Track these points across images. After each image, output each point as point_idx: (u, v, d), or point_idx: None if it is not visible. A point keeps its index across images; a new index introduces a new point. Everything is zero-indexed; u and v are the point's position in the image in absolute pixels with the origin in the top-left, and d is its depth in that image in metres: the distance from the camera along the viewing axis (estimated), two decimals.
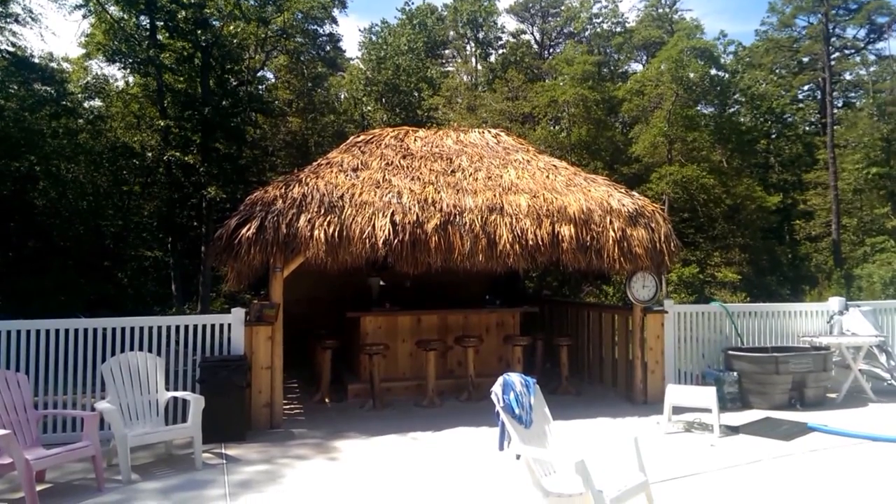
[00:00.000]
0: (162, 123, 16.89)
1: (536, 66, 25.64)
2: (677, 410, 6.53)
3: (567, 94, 20.83)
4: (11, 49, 15.34)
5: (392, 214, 6.51)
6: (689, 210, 22.32)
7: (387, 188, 6.88)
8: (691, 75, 21.07)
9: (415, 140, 8.21)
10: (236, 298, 15.32)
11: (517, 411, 4.15)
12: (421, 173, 7.30)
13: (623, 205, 7.17)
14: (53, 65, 20.01)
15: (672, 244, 7.23)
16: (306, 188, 6.65)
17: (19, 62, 15.23)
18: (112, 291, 16.22)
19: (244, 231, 6.19)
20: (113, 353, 5.99)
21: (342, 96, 24.83)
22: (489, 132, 8.75)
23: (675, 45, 21.40)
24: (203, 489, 4.82)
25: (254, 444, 6.00)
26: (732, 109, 24.86)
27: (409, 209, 6.60)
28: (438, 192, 6.89)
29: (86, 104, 19.29)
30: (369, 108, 22.55)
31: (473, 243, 6.59)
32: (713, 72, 22.58)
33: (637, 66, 29.83)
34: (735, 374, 7.33)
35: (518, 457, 3.95)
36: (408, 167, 7.42)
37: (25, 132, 14.32)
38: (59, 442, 5.29)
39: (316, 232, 6.28)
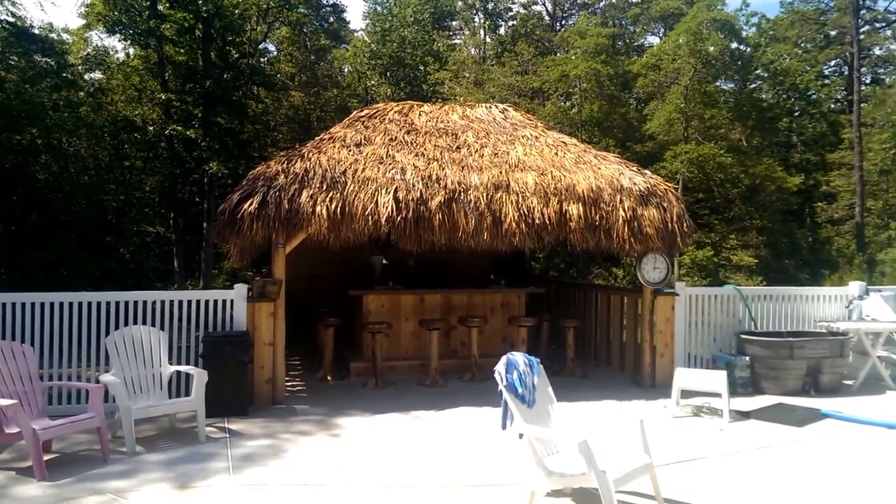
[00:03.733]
0: (163, 97, 16.99)
1: (548, 39, 25.42)
2: (686, 395, 6.65)
3: (579, 69, 20.67)
4: (11, 19, 15.42)
5: (395, 191, 6.62)
6: (704, 190, 22.19)
7: (390, 164, 6.98)
8: (710, 49, 20.83)
9: (419, 115, 8.28)
10: (238, 275, 15.49)
11: (520, 390, 4.28)
12: (425, 149, 7.39)
13: (634, 183, 7.23)
14: (53, 36, 20.09)
15: (685, 224, 7.30)
16: (308, 163, 6.76)
17: (19, 33, 15.32)
18: (114, 267, 16.50)
19: (246, 206, 6.32)
20: (117, 327, 6.19)
21: (346, 70, 24.78)
22: (496, 107, 8.80)
23: (694, 16, 21.13)
24: (207, 462, 5.02)
25: (256, 419, 6.20)
26: (754, 85, 24.58)
27: (413, 186, 6.70)
28: (443, 169, 6.99)
29: (86, 76, 19.42)
30: (373, 82, 22.49)
31: (478, 221, 6.69)
32: (734, 46, 22.30)
33: (654, 40, 29.53)
34: (747, 358, 7.43)
35: (521, 436, 4.10)
36: (412, 143, 7.51)
37: (27, 104, 14.46)
38: (64, 414, 5.50)
39: (318, 208, 6.41)
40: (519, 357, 4.44)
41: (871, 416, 6.27)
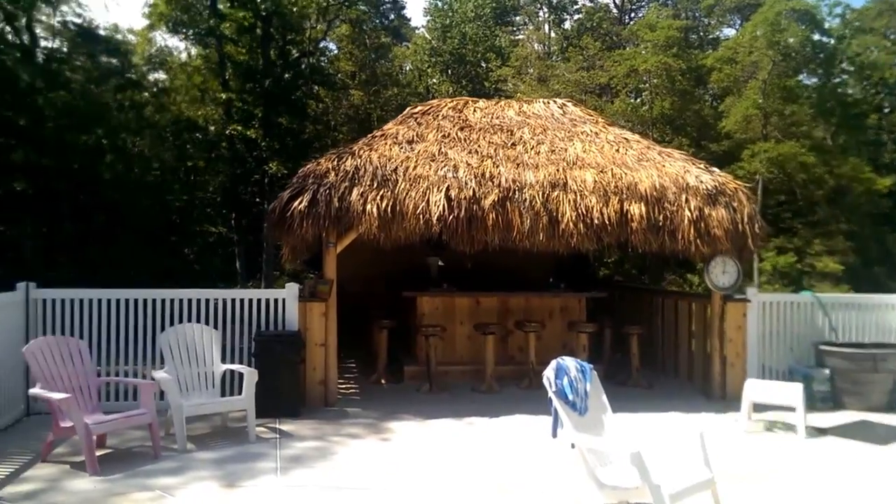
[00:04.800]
0: (224, 96, 17.55)
1: (616, 33, 24.86)
2: (758, 408, 6.35)
3: (648, 63, 20.13)
4: (77, 20, 16.29)
5: (447, 189, 6.58)
6: (786, 192, 21.25)
7: (442, 161, 6.95)
8: (790, 41, 19.90)
9: (474, 111, 8.23)
10: (299, 277, 15.85)
11: (571, 397, 4.17)
12: (479, 146, 7.33)
13: (701, 182, 6.96)
14: (119, 36, 21.19)
15: (756, 226, 6.97)
16: (359, 160, 6.81)
17: (85, 34, 16.16)
18: (179, 266, 17.18)
19: (296, 204, 6.41)
20: (172, 324, 6.37)
21: (406, 68, 25.00)
22: (555, 102, 8.65)
23: (772, 6, 20.20)
24: (255, 461, 5.11)
25: (308, 420, 6.27)
26: (838, 80, 23.33)
27: (466, 184, 6.65)
28: (497, 167, 6.90)
29: (150, 77, 20.33)
30: (434, 80, 22.59)
31: (534, 221, 6.58)
32: (816, 37, 21.24)
33: (729, 32, 28.47)
34: (827, 371, 7.02)
35: (573, 446, 3.98)
36: (465, 139, 7.46)
37: (92, 105, 15.26)
38: (120, 410, 5.69)
39: (368, 206, 6.43)
40: (570, 362, 4.33)
41: None
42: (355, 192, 6.56)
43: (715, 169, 7.39)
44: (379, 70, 22.11)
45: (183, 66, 19.71)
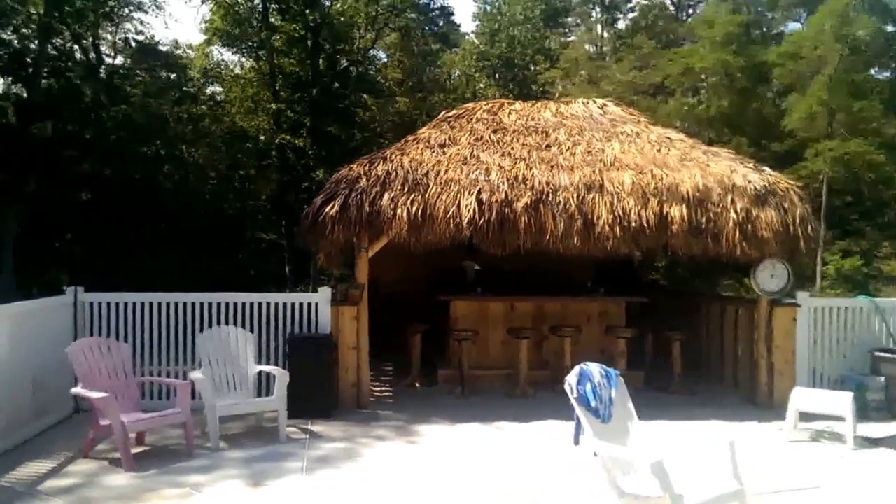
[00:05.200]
0: (273, 107, 18.10)
1: (672, 31, 24.37)
2: (807, 418, 6.11)
3: (705, 61, 19.63)
4: (139, 38, 17.16)
5: (478, 192, 6.60)
6: (852, 192, 20.30)
7: (474, 165, 6.97)
8: (860, 33, 19.02)
9: (509, 113, 8.22)
10: (347, 281, 16.14)
11: (593, 404, 4.12)
12: (512, 148, 7.32)
13: (749, 181, 6.74)
14: (179, 52, 22.16)
15: (809, 227, 6.70)
16: (390, 165, 6.90)
17: (144, 50, 16.99)
18: (232, 272, 17.78)
19: (328, 209, 6.54)
20: (211, 327, 6.60)
21: (455, 73, 25.13)
22: (594, 102, 8.55)
23: None
24: (283, 461, 5.25)
25: (339, 422, 6.39)
26: None
27: (498, 187, 6.65)
28: (530, 169, 6.88)
29: (207, 90, 21.15)
30: (482, 84, 22.63)
31: (567, 224, 6.52)
32: (889, 29, 20.25)
33: (795, 26, 27.44)
34: (882, 379, 6.69)
35: (595, 454, 3.92)
36: (498, 142, 7.46)
37: (151, 118, 16.02)
38: (160, 409, 5.94)
39: (399, 210, 6.51)
40: (594, 368, 4.28)
41: None
42: (386, 196, 6.65)
43: (766, 168, 7.15)
44: (425, 77, 22.31)
45: (236, 78, 20.42)
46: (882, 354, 6.82)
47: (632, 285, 10.12)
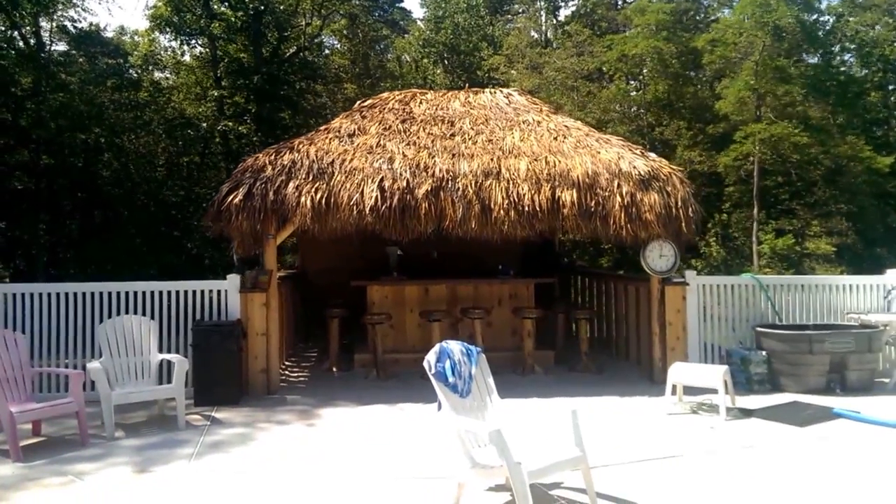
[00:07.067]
0: (216, 93, 17.76)
1: (611, 18, 24.53)
2: (692, 392, 6.32)
3: (639, 47, 19.85)
4: (80, 25, 16.63)
5: (381, 181, 6.63)
6: (783, 174, 20.83)
7: (379, 154, 7.00)
8: (780, 21, 19.42)
9: (420, 104, 8.25)
10: (295, 268, 16.03)
11: (451, 379, 4.25)
12: (418, 137, 7.36)
13: (634, 167, 6.90)
14: (126, 38, 21.54)
15: (690, 209, 6.90)
16: (297, 155, 6.89)
17: (84, 36, 16.48)
18: (180, 260, 17.47)
19: (231, 198, 6.52)
20: (119, 315, 6.52)
21: (405, 59, 24.95)
22: (500, 92, 8.62)
23: None
24: (175, 448, 5.25)
25: (245, 408, 6.41)
26: (839, 59, 22.73)
27: (400, 175, 6.69)
28: (432, 157, 6.93)
29: (152, 77, 20.61)
30: (432, 71, 22.50)
31: (466, 210, 6.60)
32: (814, 17, 20.71)
33: (729, 13, 27.87)
34: (763, 353, 6.96)
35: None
36: (405, 132, 7.49)
37: (89, 105, 15.57)
38: (54, 399, 5.88)
39: (303, 198, 6.52)
40: (455, 346, 4.42)
41: (891, 418, 5.71)
42: (291, 185, 6.65)
43: (651, 154, 7.34)
44: (371, 63, 22.10)
45: (178, 65, 19.96)
46: (763, 330, 7.09)
47: (550, 267, 10.31)
